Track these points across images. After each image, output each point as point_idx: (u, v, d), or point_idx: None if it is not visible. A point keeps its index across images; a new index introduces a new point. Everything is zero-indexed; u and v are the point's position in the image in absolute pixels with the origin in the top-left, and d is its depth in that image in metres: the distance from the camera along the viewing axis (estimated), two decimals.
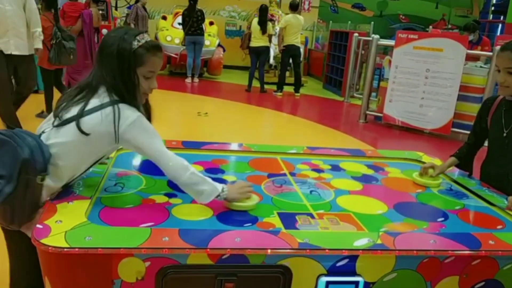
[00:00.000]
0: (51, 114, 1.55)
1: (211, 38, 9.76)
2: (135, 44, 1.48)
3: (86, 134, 1.43)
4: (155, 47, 1.53)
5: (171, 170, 1.51)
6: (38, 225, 1.28)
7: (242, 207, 1.57)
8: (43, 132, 1.51)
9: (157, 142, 1.51)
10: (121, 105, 1.46)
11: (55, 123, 1.49)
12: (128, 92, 1.49)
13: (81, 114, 1.45)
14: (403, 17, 14.73)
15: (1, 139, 1.39)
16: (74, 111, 1.46)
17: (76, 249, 1.18)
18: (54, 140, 1.46)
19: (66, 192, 1.50)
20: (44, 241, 1.20)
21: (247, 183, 1.70)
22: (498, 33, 13.25)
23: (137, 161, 2.03)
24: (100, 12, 8.12)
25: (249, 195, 1.60)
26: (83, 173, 1.57)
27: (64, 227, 1.27)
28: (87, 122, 1.44)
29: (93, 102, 1.47)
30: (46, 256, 1.24)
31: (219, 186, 1.53)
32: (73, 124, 1.44)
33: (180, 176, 1.50)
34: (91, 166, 1.57)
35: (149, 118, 1.62)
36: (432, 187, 2.00)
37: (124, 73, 1.48)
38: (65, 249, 1.18)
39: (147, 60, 1.50)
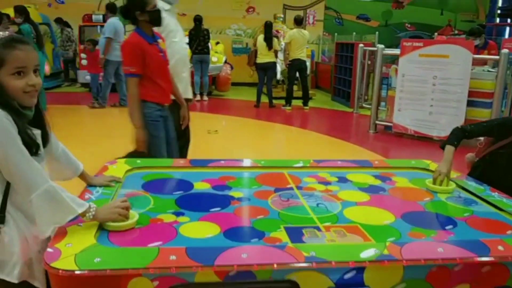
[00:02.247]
0: None
1: (218, 55, 9.88)
2: None
3: None
4: (11, 40, 1.36)
5: (25, 180, 1.32)
6: (48, 249, 1.30)
7: (114, 227, 1.48)
8: None
9: (14, 148, 1.32)
10: None
11: None
12: None
13: None
14: (409, 26, 14.74)
15: None
16: None
17: (86, 272, 1.20)
18: None
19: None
20: (54, 264, 1.22)
21: (122, 204, 1.52)
22: (506, 36, 13.19)
23: (145, 181, 2.05)
24: None
25: (119, 217, 1.48)
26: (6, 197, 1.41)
27: (74, 249, 1.29)
28: None
29: None
30: (57, 279, 1.26)
31: (84, 205, 1.42)
32: None
33: (37, 187, 1.33)
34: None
35: (43, 125, 1.51)
36: (446, 193, 2.01)
37: None
38: (76, 272, 1.20)
39: (5, 57, 1.34)
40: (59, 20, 10.75)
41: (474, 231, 1.62)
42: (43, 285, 1.44)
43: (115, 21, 7.84)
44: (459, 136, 2.22)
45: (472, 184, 2.11)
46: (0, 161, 1.32)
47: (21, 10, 6.74)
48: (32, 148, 1.40)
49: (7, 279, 1.39)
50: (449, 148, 2.16)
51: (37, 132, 1.47)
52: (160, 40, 3.03)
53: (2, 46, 1.34)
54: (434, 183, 2.06)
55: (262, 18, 10.52)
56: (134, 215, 1.56)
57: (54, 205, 1.37)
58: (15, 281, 1.39)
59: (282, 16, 11.82)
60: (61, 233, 1.40)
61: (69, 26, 10.76)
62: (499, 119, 2.31)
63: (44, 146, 1.53)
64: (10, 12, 7.42)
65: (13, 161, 1.32)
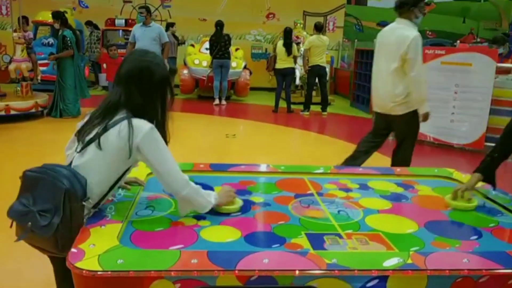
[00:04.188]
0: (70, 140, 1.67)
1: (238, 60, 9.94)
2: (166, 68, 1.67)
3: (101, 149, 1.53)
4: (174, 71, 1.76)
5: (172, 184, 1.60)
6: (73, 249, 1.32)
7: (228, 209, 1.72)
8: (71, 162, 1.59)
9: (166, 156, 1.59)
10: (134, 119, 1.55)
11: (78, 149, 1.58)
12: (155, 111, 1.63)
13: (101, 133, 1.53)
14: (430, 33, 14.57)
15: (35, 177, 1.49)
16: (94, 132, 1.56)
17: (109, 272, 1.22)
18: (78, 163, 1.55)
19: (99, 216, 1.55)
20: (78, 264, 1.24)
21: (231, 188, 1.80)
22: None
23: None
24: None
25: (233, 199, 1.76)
26: (108, 193, 1.61)
27: (97, 250, 1.31)
28: (105, 139, 1.53)
29: (112, 121, 1.55)
30: (80, 279, 1.27)
31: (212, 197, 1.68)
32: (93, 144, 1.54)
33: (181, 190, 1.59)
34: (115, 185, 1.62)
35: (166, 136, 1.69)
36: (467, 210, 1.90)
37: (164, 96, 1.65)
38: (99, 273, 1.21)
39: (171, 82, 1.72)
40: (89, 23, 10.90)
41: (500, 242, 1.58)
42: None
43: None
44: (485, 162, 2.08)
45: (498, 194, 2.06)
46: (155, 164, 1.57)
47: (57, 16, 6.83)
48: None
49: None
50: (474, 175, 2.05)
51: None
52: None
53: (171, 72, 1.73)
54: (454, 197, 1.95)
55: (282, 24, 10.53)
56: (238, 200, 1.78)
57: (199, 200, 1.63)
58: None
59: (302, 21, 11.81)
60: (84, 234, 1.42)
61: (98, 28, 10.91)
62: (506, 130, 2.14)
63: None
64: (45, 16, 7.52)
65: (170, 165, 1.58)
